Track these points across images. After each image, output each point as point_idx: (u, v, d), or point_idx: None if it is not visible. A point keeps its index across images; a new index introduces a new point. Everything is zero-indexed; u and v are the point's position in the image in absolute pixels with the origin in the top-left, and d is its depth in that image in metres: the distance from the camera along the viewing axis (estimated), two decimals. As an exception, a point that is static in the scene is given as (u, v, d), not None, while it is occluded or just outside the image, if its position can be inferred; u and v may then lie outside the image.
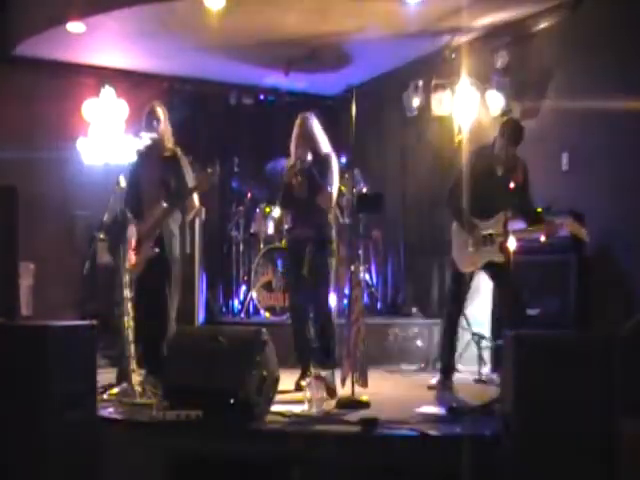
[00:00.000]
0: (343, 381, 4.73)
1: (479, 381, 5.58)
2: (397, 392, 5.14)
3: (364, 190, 7.45)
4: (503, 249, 4.85)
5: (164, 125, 5.29)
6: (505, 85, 6.53)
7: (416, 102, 7.35)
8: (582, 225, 5.13)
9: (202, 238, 6.84)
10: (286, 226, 6.15)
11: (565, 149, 6.04)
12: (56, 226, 7.55)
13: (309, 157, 5.26)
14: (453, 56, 7.16)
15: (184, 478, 3.92)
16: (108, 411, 4.33)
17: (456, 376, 5.34)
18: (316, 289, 5.23)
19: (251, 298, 7.48)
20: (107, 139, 7.20)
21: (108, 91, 7.40)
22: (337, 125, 6.51)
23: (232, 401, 3.93)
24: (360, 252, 6.86)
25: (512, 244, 4.84)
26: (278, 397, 4.32)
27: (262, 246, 7.56)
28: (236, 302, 7.90)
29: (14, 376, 3.69)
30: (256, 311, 7.49)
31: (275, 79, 8.12)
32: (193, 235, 6.00)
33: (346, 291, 6.55)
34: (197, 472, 3.88)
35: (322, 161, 5.29)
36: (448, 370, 5.25)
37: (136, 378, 4.94)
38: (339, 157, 5.76)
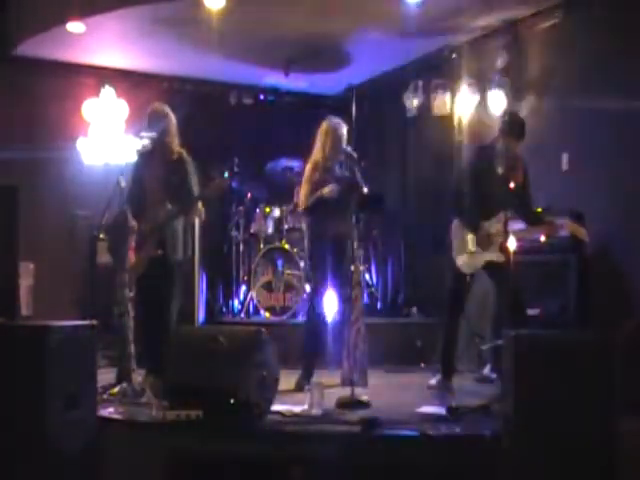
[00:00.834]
0: (343, 381, 4.74)
1: (479, 381, 5.58)
2: (397, 392, 5.14)
3: (364, 190, 7.44)
4: (503, 249, 4.85)
5: (168, 125, 5.24)
6: (505, 85, 6.53)
7: (416, 102, 7.36)
8: (582, 225, 5.13)
9: (202, 238, 6.84)
10: (299, 224, 6.22)
11: (565, 149, 6.04)
12: (56, 226, 7.55)
13: (341, 157, 5.43)
14: (453, 56, 7.16)
15: (184, 478, 3.92)
16: (108, 411, 4.33)
17: (456, 376, 5.34)
18: (346, 286, 5.27)
19: (251, 298, 7.48)
20: (107, 139, 7.21)
21: (108, 91, 7.41)
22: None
23: (232, 401, 3.93)
24: (361, 252, 6.85)
25: (512, 244, 4.84)
26: (278, 397, 4.32)
27: (262, 246, 7.56)
28: (236, 302, 7.90)
29: (14, 376, 3.69)
30: (256, 311, 7.49)
31: (275, 79, 8.13)
32: (193, 235, 5.99)
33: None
34: (197, 472, 3.88)
35: (350, 161, 5.45)
36: (448, 370, 5.24)
37: (136, 378, 4.94)
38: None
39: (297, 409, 4.28)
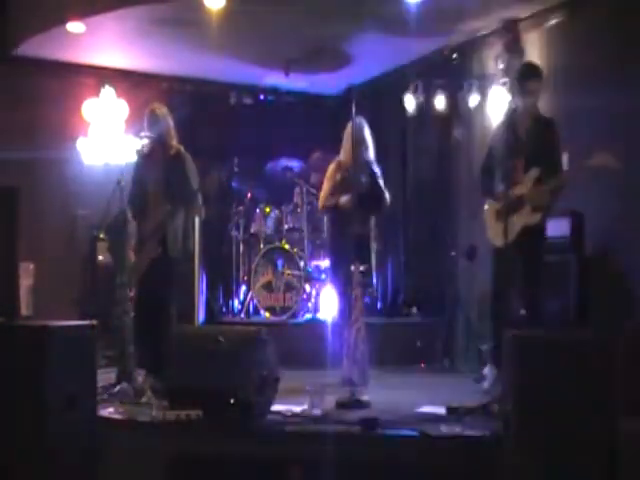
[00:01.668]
0: (343, 381, 4.74)
1: (479, 381, 5.58)
2: (397, 392, 5.14)
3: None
4: (537, 209, 4.81)
5: (167, 125, 5.30)
6: (505, 85, 6.53)
7: (416, 102, 7.36)
8: (581, 225, 5.14)
9: (202, 238, 6.84)
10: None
11: (565, 149, 6.03)
12: (56, 226, 7.55)
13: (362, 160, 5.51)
14: (453, 56, 7.16)
15: (184, 478, 3.92)
16: (108, 411, 4.33)
17: (456, 376, 5.33)
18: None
19: (251, 298, 7.48)
20: (107, 139, 7.21)
21: (108, 91, 7.41)
22: (337, 125, 6.50)
23: (232, 401, 3.93)
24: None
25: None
26: (278, 397, 4.32)
27: (262, 246, 7.57)
28: (236, 302, 7.90)
29: (14, 376, 3.69)
30: (256, 311, 7.49)
31: (275, 79, 8.12)
32: (193, 235, 5.99)
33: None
34: (197, 472, 3.88)
35: (369, 169, 5.57)
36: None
37: (136, 378, 4.95)
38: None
39: (297, 409, 4.28)
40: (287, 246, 7.34)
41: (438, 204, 7.49)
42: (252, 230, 7.81)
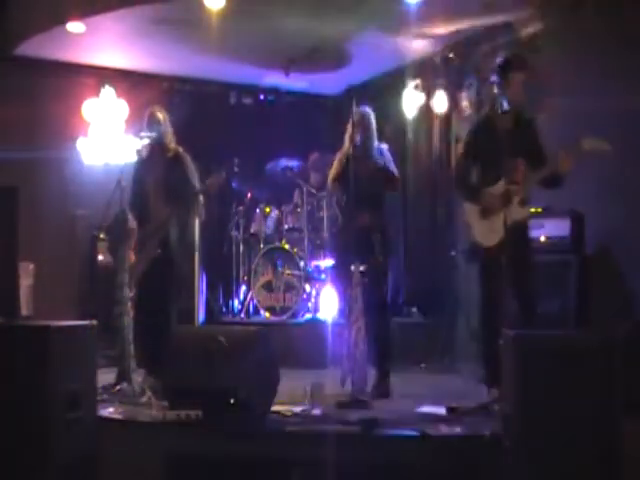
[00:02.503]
0: (343, 381, 4.74)
1: (479, 381, 5.57)
2: (397, 392, 5.14)
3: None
4: (523, 203, 4.63)
5: (165, 127, 5.33)
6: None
7: (416, 102, 7.36)
8: (581, 225, 5.08)
9: (202, 238, 6.85)
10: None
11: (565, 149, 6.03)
12: (56, 226, 7.55)
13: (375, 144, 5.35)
14: (453, 56, 7.16)
15: (184, 478, 3.92)
16: (108, 411, 4.33)
17: (456, 376, 5.33)
18: (376, 283, 5.10)
19: (251, 298, 7.48)
20: (107, 139, 7.21)
21: (108, 91, 7.41)
22: (337, 125, 6.50)
23: (232, 401, 3.93)
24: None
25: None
26: (278, 397, 4.32)
27: (262, 246, 7.57)
28: (236, 302, 7.90)
29: (14, 376, 3.69)
30: (256, 311, 7.49)
31: (275, 79, 8.12)
32: (193, 235, 6.01)
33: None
34: (197, 472, 3.88)
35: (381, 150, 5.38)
36: (494, 376, 4.36)
37: (136, 378, 4.94)
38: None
39: (297, 409, 4.28)
40: (287, 246, 7.34)
41: (438, 204, 7.49)
42: (252, 230, 7.81)
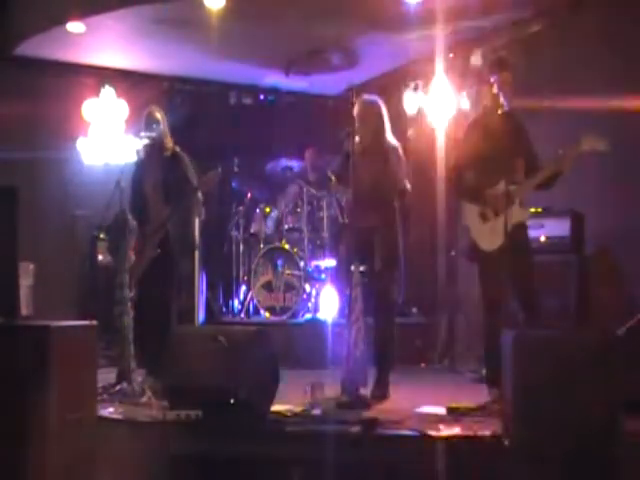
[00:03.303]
0: (343, 381, 4.73)
1: (479, 381, 5.58)
2: (397, 392, 5.14)
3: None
4: (523, 204, 4.58)
5: (163, 127, 5.35)
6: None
7: (416, 102, 7.36)
8: (581, 225, 5.07)
9: (202, 238, 6.84)
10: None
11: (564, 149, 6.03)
12: (56, 226, 7.55)
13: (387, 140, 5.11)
14: (452, 56, 7.15)
15: (184, 478, 3.92)
16: (108, 411, 4.33)
17: (456, 376, 5.32)
18: (382, 284, 5.00)
19: (251, 298, 7.49)
20: (107, 139, 7.21)
21: (108, 91, 7.41)
22: (337, 125, 6.51)
23: (232, 401, 3.93)
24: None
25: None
26: (278, 397, 4.32)
27: (262, 246, 7.57)
28: (236, 302, 7.91)
29: (14, 376, 3.69)
30: (256, 311, 7.50)
31: (275, 79, 8.12)
32: (193, 235, 6.01)
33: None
34: (197, 472, 3.88)
35: (390, 147, 5.15)
36: (494, 378, 4.41)
37: (136, 378, 4.94)
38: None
39: (297, 409, 4.28)
40: (287, 246, 7.34)
41: (438, 204, 7.49)
42: (252, 230, 7.81)
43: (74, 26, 6.62)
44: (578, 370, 3.38)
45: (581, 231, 5.63)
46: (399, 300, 7.50)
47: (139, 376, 5.02)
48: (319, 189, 7.43)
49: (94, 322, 4.02)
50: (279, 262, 7.30)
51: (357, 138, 5.03)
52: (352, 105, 5.07)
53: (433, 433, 3.78)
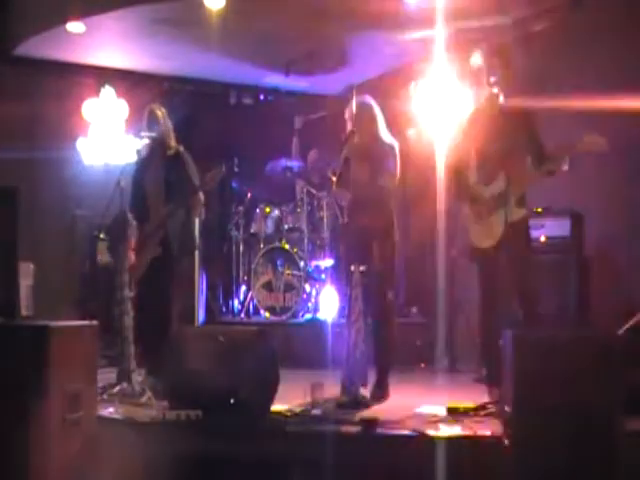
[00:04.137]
0: (343, 381, 4.73)
1: (479, 381, 5.57)
2: (397, 392, 5.14)
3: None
4: (520, 204, 4.54)
5: (164, 126, 5.33)
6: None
7: (416, 102, 7.35)
8: (581, 224, 5.05)
9: (202, 238, 6.85)
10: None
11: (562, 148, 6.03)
12: (56, 226, 7.55)
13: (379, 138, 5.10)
14: (453, 56, 7.15)
15: (184, 478, 3.92)
16: (108, 411, 4.33)
17: (456, 376, 5.32)
18: (380, 286, 4.99)
19: (251, 298, 7.49)
20: (107, 139, 7.22)
21: (108, 91, 7.41)
22: (337, 125, 6.50)
23: (232, 401, 3.93)
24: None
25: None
26: (278, 397, 4.32)
27: (262, 246, 7.57)
28: (236, 302, 7.91)
29: (14, 376, 3.69)
30: (256, 311, 7.49)
31: (275, 79, 8.12)
32: (193, 235, 6.02)
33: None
34: (197, 472, 3.88)
35: (386, 146, 5.13)
36: (493, 379, 4.49)
37: (136, 378, 4.94)
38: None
39: (297, 409, 4.28)
40: (287, 246, 7.34)
41: (438, 203, 7.48)
42: (252, 230, 7.81)
43: (74, 26, 6.62)
44: (578, 370, 3.38)
45: (581, 231, 5.63)
46: (399, 300, 7.56)
47: (139, 376, 5.01)
48: (320, 190, 7.44)
49: (94, 322, 4.02)
50: (279, 262, 7.30)
51: (354, 139, 5.06)
52: (349, 107, 5.11)
53: (433, 433, 3.78)
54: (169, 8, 6.27)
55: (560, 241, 5.52)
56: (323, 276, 7.26)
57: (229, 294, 8.05)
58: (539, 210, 5.64)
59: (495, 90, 4.72)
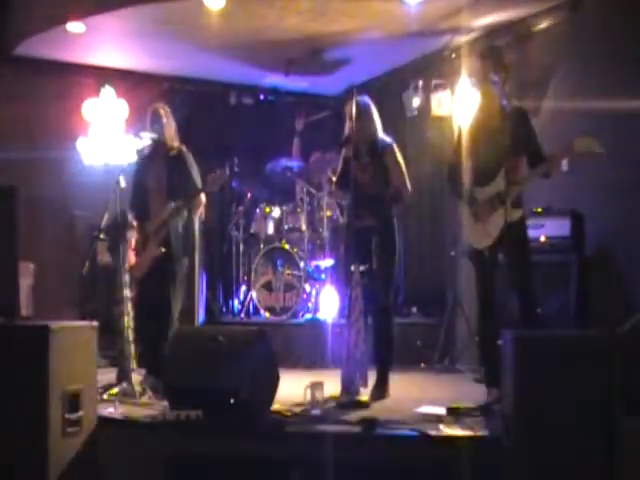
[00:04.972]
0: (343, 381, 4.73)
1: (479, 381, 5.58)
2: (397, 392, 5.14)
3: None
4: (516, 204, 4.53)
5: (168, 125, 5.33)
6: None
7: (416, 102, 7.36)
8: (581, 224, 5.04)
9: (202, 238, 6.85)
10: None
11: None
12: (56, 226, 7.55)
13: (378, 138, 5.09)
14: (453, 56, 7.16)
15: (184, 478, 3.92)
16: (108, 411, 4.33)
17: (456, 376, 5.32)
18: (379, 286, 4.98)
19: (251, 298, 7.49)
20: (107, 139, 7.20)
21: (108, 91, 7.40)
22: (337, 125, 6.51)
23: (232, 401, 3.93)
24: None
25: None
26: (278, 397, 4.32)
27: (262, 246, 7.57)
28: (236, 302, 7.91)
29: (14, 376, 3.69)
30: (256, 311, 7.49)
31: (275, 79, 8.13)
32: (194, 235, 6.02)
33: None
34: (197, 472, 3.88)
35: (388, 147, 5.13)
36: (491, 378, 4.50)
37: (136, 378, 4.95)
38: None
39: (297, 409, 4.28)
40: (287, 246, 7.34)
41: (438, 204, 7.49)
42: (252, 230, 7.81)
43: (74, 26, 6.63)
44: (578, 370, 3.38)
45: (581, 231, 5.63)
46: (399, 300, 7.57)
47: (139, 376, 5.02)
48: (320, 190, 7.44)
49: (94, 322, 4.02)
50: (279, 262, 7.31)
51: (354, 140, 5.06)
52: (347, 107, 5.10)
53: (433, 433, 3.78)
54: (169, 8, 6.27)
55: (560, 241, 5.51)
56: (323, 276, 7.26)
57: (229, 294, 8.06)
58: (539, 210, 5.64)
59: (495, 90, 4.70)
